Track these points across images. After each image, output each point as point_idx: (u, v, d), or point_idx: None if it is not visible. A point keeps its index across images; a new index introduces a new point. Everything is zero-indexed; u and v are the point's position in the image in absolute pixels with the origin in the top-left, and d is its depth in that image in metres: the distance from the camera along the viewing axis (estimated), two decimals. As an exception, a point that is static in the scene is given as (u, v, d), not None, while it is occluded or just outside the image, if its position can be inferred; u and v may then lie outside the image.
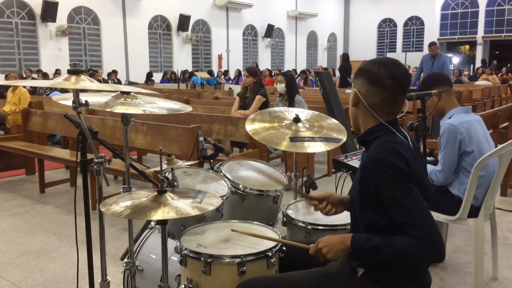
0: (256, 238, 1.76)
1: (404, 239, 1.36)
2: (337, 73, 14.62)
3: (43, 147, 5.35)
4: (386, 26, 27.25)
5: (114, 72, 14.78)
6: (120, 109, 1.89)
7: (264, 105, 5.29)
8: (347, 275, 1.54)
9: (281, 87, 5.32)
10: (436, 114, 2.82)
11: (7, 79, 11.06)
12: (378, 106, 1.53)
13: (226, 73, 17.88)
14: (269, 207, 2.36)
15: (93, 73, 12.88)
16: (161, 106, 2.04)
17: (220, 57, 20.82)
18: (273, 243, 1.70)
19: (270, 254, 1.65)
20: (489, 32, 24.07)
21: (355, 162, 2.73)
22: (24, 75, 11.72)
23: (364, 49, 26.09)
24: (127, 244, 2.14)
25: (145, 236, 2.24)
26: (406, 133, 1.58)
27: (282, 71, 7.16)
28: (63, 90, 7.70)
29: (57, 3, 14.74)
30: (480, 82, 13.19)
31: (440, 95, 2.73)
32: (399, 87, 1.51)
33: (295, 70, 15.56)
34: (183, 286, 1.69)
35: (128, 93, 1.99)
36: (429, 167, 2.71)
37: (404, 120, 6.20)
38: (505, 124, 5.27)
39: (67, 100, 1.88)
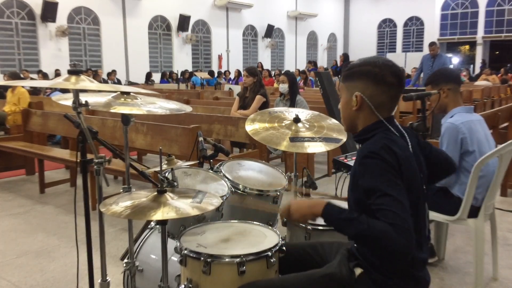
0: (256, 238, 1.77)
1: (380, 222, 1.34)
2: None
3: (43, 147, 5.35)
4: (386, 26, 27.26)
5: (114, 71, 14.80)
6: (120, 110, 1.89)
7: (264, 105, 5.30)
8: (344, 276, 1.54)
9: (283, 87, 5.34)
10: (438, 110, 2.82)
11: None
12: (384, 104, 1.55)
13: (224, 73, 17.89)
14: (269, 207, 2.35)
15: (96, 74, 12.91)
16: (161, 106, 2.04)
17: (220, 57, 20.82)
18: (272, 244, 1.70)
19: (269, 254, 1.65)
20: (489, 32, 24.07)
21: (355, 162, 2.72)
22: (22, 76, 11.75)
23: (364, 49, 26.06)
24: (127, 244, 2.14)
25: (145, 236, 2.24)
26: (403, 130, 1.57)
27: (283, 71, 7.15)
28: (64, 91, 7.72)
29: (57, 3, 14.74)
30: (480, 82, 13.19)
31: (446, 92, 2.74)
32: (401, 83, 1.55)
33: (298, 71, 15.55)
34: (183, 286, 1.69)
35: (128, 93, 1.99)
36: None
37: (404, 120, 6.19)
38: (505, 124, 5.27)
39: (67, 100, 1.88)
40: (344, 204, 1.58)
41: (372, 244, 1.37)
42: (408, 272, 1.49)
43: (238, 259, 1.60)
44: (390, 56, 24.31)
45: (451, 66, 18.52)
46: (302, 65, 23.72)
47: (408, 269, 1.48)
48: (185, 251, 1.66)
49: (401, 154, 1.44)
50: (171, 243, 1.89)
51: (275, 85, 12.31)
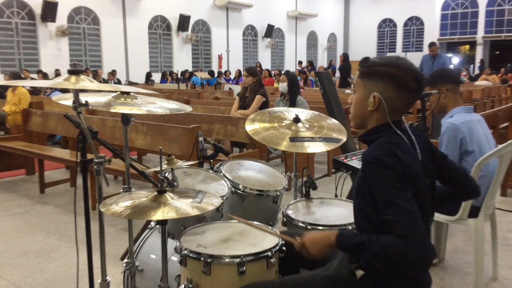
0: (256, 238, 1.76)
1: (392, 237, 1.33)
2: (337, 73, 14.61)
3: (43, 147, 5.35)
4: (386, 26, 27.24)
5: (113, 72, 14.79)
6: (120, 110, 1.89)
7: (264, 105, 5.29)
8: (345, 278, 1.53)
9: (283, 86, 5.33)
10: (437, 110, 2.83)
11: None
12: (399, 109, 1.51)
13: (224, 73, 17.89)
14: (269, 207, 2.35)
15: (96, 74, 12.93)
16: (161, 106, 2.04)
17: (220, 57, 20.82)
18: (273, 243, 1.70)
19: (270, 254, 1.65)
20: (489, 32, 24.06)
21: (355, 162, 2.73)
22: (22, 75, 11.76)
23: (364, 49, 26.04)
24: (127, 244, 2.14)
25: (145, 236, 2.24)
26: (411, 132, 1.54)
27: (283, 71, 7.18)
28: (64, 91, 7.73)
29: (57, 3, 14.74)
30: (480, 82, 13.19)
31: (445, 92, 2.74)
32: (420, 90, 1.51)
33: (298, 71, 15.57)
34: (183, 286, 1.69)
35: (128, 93, 1.99)
36: None
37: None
38: (505, 124, 5.28)
39: (67, 100, 1.88)
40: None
41: (389, 263, 1.36)
42: (410, 275, 1.48)
43: (238, 259, 1.60)
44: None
45: (451, 66, 18.53)
46: (302, 65, 23.75)
47: (410, 272, 1.48)
48: (185, 251, 1.66)
49: (404, 158, 1.41)
50: (171, 243, 1.89)
51: (275, 85, 12.32)
